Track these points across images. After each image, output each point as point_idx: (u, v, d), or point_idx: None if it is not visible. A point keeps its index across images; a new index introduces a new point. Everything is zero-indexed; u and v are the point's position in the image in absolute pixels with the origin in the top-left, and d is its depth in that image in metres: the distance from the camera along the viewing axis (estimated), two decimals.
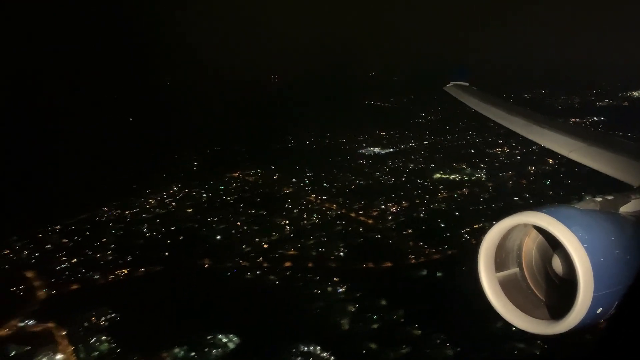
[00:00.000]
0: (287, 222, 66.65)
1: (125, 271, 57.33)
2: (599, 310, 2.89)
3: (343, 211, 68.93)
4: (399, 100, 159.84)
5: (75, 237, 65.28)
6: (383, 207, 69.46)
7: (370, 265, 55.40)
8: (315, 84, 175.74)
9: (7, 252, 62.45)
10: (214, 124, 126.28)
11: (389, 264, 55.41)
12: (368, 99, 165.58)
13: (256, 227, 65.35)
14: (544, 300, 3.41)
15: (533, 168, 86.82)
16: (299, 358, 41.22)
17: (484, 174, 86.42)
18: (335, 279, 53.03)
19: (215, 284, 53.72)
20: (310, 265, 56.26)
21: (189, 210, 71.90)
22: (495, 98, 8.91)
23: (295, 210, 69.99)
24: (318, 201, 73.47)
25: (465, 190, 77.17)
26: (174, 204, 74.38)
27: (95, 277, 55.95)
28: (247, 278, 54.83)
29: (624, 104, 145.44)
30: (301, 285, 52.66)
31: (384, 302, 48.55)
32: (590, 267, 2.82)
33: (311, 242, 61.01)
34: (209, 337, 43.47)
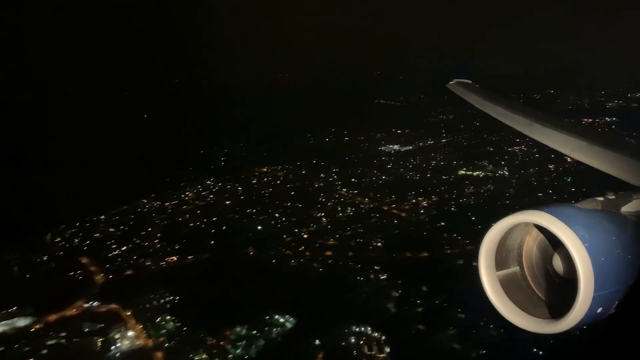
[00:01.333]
0: (323, 214, 69.72)
1: (175, 258, 60.49)
2: (599, 310, 2.89)
3: (375, 205, 71.93)
4: (408, 99, 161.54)
5: (122, 227, 68.50)
6: (414, 201, 72.45)
7: (408, 254, 58.42)
8: (323, 83, 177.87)
9: (58, 239, 65.76)
10: (229, 121, 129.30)
11: (425, 254, 58.42)
12: (377, 98, 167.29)
13: (294, 219, 68.43)
14: (544, 299, 3.41)
15: (553, 166, 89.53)
16: (353, 337, 44.25)
17: (506, 170, 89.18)
18: (375, 267, 56.04)
19: (263, 270, 56.88)
20: (350, 254, 59.29)
21: (227, 203, 75.04)
22: (498, 96, 8.83)
23: (329, 204, 73.05)
24: (349, 195, 76.51)
25: (490, 186, 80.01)
26: (211, 196, 77.51)
27: (147, 263, 59.15)
28: (292, 265, 57.91)
29: (633, 105, 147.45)
30: (344, 273, 55.71)
31: (425, 289, 51.52)
32: (591, 267, 2.83)
33: (348, 233, 64.05)
34: (267, 318, 46.60)
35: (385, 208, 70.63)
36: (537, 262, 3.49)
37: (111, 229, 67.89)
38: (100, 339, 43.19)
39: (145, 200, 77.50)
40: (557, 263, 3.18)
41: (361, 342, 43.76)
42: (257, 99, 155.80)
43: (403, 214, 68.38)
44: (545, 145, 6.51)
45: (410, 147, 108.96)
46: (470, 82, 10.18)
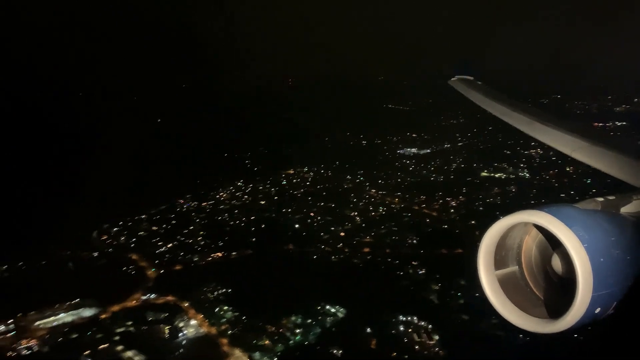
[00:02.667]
0: (356, 213, 72.77)
1: (220, 254, 63.44)
2: (598, 310, 2.90)
3: (405, 204, 74.96)
4: (417, 104, 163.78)
5: (164, 225, 71.51)
6: (441, 201, 75.47)
7: (444, 251, 61.37)
8: (329, 87, 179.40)
9: (105, 237, 68.81)
10: (244, 125, 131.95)
11: (460, 251, 61.30)
12: (385, 103, 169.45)
13: (329, 218, 71.45)
14: (542, 298, 3.42)
15: (572, 168, 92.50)
16: (401, 326, 47.16)
17: (527, 172, 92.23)
18: (413, 262, 58.99)
19: (306, 265, 59.83)
20: (387, 251, 62.25)
21: (262, 202, 78.10)
22: (500, 94, 8.75)
23: (360, 204, 76.10)
24: (379, 196, 79.56)
25: (513, 188, 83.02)
26: (246, 197, 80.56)
27: (194, 259, 62.09)
28: (333, 261, 60.87)
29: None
30: (384, 268, 58.66)
31: (463, 282, 54.42)
32: (590, 267, 2.84)
33: (383, 231, 67.03)
34: (318, 308, 49.52)
35: (416, 208, 73.66)
36: (536, 261, 3.50)
37: (154, 227, 70.89)
38: (167, 327, 46.09)
39: (182, 201, 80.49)
40: (556, 263, 3.21)
41: (409, 330, 46.66)
42: (266, 103, 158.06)
43: (434, 213, 71.40)
44: (547, 145, 6.46)
45: (428, 151, 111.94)
46: (472, 78, 10.09)
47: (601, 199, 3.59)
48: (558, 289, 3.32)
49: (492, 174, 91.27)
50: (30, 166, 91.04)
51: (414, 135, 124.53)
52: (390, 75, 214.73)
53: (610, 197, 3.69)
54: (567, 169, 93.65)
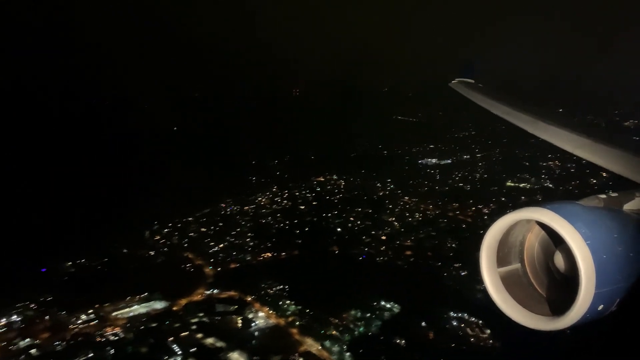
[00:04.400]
0: (394, 219, 76.61)
1: (269, 254, 67.18)
2: (600, 307, 2.92)
3: (440, 211, 78.85)
4: (426, 116, 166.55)
5: (212, 227, 75.30)
6: (474, 208, 79.39)
7: None
8: (334, 99, 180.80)
9: (158, 237, 72.58)
10: (263, 134, 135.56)
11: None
12: (393, 115, 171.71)
13: (369, 222, 75.27)
14: (545, 296, 3.42)
15: (594, 180, 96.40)
16: (454, 321, 50.79)
17: (549, 183, 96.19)
18: (455, 264, 62.72)
19: (352, 266, 63.52)
20: (429, 254, 66.00)
21: (302, 207, 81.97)
22: (501, 94, 8.83)
23: (396, 210, 79.97)
24: (413, 202, 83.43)
25: (539, 197, 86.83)
26: (285, 201, 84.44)
27: (247, 258, 65.86)
28: (378, 262, 64.61)
29: None
30: (427, 269, 62.36)
31: None
32: (593, 264, 2.85)
33: (422, 235, 70.84)
34: (374, 304, 53.17)
35: (451, 214, 77.54)
36: (538, 259, 3.53)
37: (203, 229, 74.68)
38: (239, 318, 49.73)
39: (223, 205, 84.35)
40: (559, 260, 3.24)
41: (462, 324, 50.29)
42: (276, 112, 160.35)
43: (469, 219, 75.26)
44: (553, 145, 6.52)
45: (449, 161, 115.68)
46: (472, 81, 10.20)
47: (604, 196, 3.62)
48: (561, 287, 3.34)
49: (517, 184, 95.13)
50: (76, 176, 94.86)
51: (431, 146, 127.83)
52: (393, 86, 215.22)
53: (613, 194, 3.70)
54: (591, 181, 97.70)
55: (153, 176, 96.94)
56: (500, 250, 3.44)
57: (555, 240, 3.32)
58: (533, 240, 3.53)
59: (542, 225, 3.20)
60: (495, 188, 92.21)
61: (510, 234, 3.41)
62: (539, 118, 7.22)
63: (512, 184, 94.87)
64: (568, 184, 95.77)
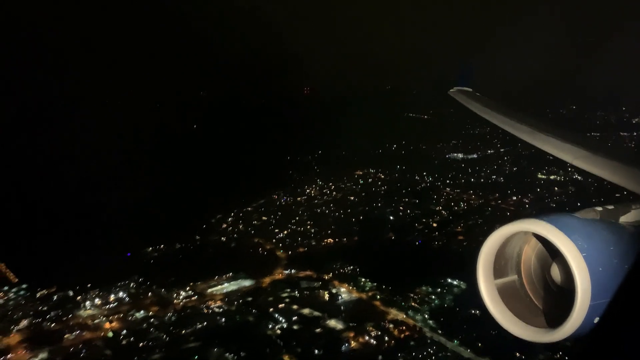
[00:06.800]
0: (440, 208, 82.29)
1: (332, 240, 72.85)
2: (596, 320, 2.93)
3: (483, 201, 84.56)
4: (437, 113, 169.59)
5: (272, 216, 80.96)
6: (515, 198, 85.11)
7: None
8: (342, 97, 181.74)
9: (225, 225, 78.25)
10: (281, 133, 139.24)
11: None
12: (405, 111, 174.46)
13: (418, 211, 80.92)
14: (541, 308, 3.46)
15: None
16: None
17: (578, 175, 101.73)
18: None
19: (410, 249, 69.11)
20: (480, 239, 70.90)
21: (352, 198, 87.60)
22: (498, 104, 8.94)
23: (441, 199, 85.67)
24: (455, 193, 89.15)
25: (572, 188, 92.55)
26: (334, 193, 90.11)
27: (312, 243, 71.51)
28: (435, 246, 70.28)
29: None
30: None
31: None
32: (589, 276, 2.87)
33: (470, 222, 76.51)
34: (442, 281, 58.81)
35: (493, 203, 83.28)
36: (535, 270, 3.57)
37: (264, 217, 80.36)
38: (325, 292, 55.40)
39: (275, 196, 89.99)
40: (555, 272, 3.27)
41: None
42: (289, 110, 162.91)
43: (512, 208, 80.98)
44: (547, 153, 6.73)
45: (475, 156, 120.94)
46: (470, 90, 10.25)
47: (600, 209, 3.69)
48: (557, 298, 3.35)
49: (548, 176, 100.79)
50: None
51: (453, 142, 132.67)
52: (397, 84, 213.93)
53: (610, 207, 3.76)
54: None
55: (204, 172, 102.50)
56: (497, 262, 3.53)
57: (551, 252, 3.37)
58: (530, 252, 3.59)
59: (539, 237, 3.31)
60: (528, 180, 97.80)
61: (508, 245, 3.54)
62: (536, 129, 7.37)
63: (543, 176, 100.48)
64: (594, 177, 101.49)
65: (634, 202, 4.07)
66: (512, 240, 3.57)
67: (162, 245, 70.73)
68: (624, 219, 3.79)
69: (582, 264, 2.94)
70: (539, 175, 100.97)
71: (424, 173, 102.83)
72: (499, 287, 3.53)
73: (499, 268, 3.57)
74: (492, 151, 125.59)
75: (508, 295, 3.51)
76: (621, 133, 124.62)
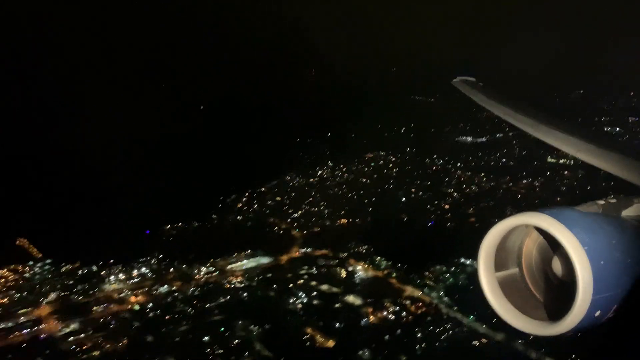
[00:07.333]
0: (452, 190, 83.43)
1: (345, 220, 74.22)
2: (597, 313, 2.95)
3: (494, 184, 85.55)
4: (443, 96, 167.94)
5: (285, 197, 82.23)
6: (525, 181, 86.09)
7: None
8: (349, 79, 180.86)
9: (240, 205, 79.64)
10: (289, 113, 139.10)
11: None
12: (410, 94, 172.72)
13: (430, 193, 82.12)
14: (542, 301, 3.47)
15: None
16: None
17: None
18: None
19: (423, 230, 70.44)
20: (492, 220, 72.62)
21: (364, 180, 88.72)
22: (502, 95, 8.83)
23: (452, 182, 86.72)
24: (466, 176, 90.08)
25: (581, 171, 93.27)
26: (347, 174, 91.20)
27: (327, 223, 72.92)
28: (448, 227, 71.58)
29: None
30: None
31: None
32: (590, 270, 2.88)
33: (482, 205, 77.65)
34: (455, 260, 60.25)
35: (504, 186, 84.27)
36: (536, 264, 3.57)
37: (278, 198, 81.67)
38: (342, 269, 56.99)
39: (288, 178, 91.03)
40: (557, 265, 3.27)
41: None
42: (296, 95, 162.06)
43: (522, 191, 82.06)
44: (551, 146, 6.67)
45: (484, 139, 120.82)
46: (474, 79, 10.26)
47: (602, 202, 3.67)
48: (558, 292, 3.36)
49: (557, 160, 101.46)
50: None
51: (461, 124, 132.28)
52: (401, 66, 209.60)
53: (612, 200, 3.73)
54: None
55: (218, 151, 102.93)
56: (498, 255, 3.54)
57: (553, 245, 3.39)
58: (531, 245, 3.62)
59: (540, 231, 3.34)
60: (538, 163, 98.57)
61: (509, 238, 3.57)
62: (540, 121, 7.24)
63: (553, 160, 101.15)
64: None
65: (636, 195, 4.04)
66: (514, 233, 3.58)
67: (180, 224, 72.20)
68: (626, 212, 3.77)
69: (583, 257, 2.94)
70: (549, 159, 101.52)
71: (434, 156, 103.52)
72: (500, 280, 3.53)
73: (500, 261, 3.57)
74: (500, 135, 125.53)
75: (509, 288, 3.52)
76: (630, 118, 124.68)
